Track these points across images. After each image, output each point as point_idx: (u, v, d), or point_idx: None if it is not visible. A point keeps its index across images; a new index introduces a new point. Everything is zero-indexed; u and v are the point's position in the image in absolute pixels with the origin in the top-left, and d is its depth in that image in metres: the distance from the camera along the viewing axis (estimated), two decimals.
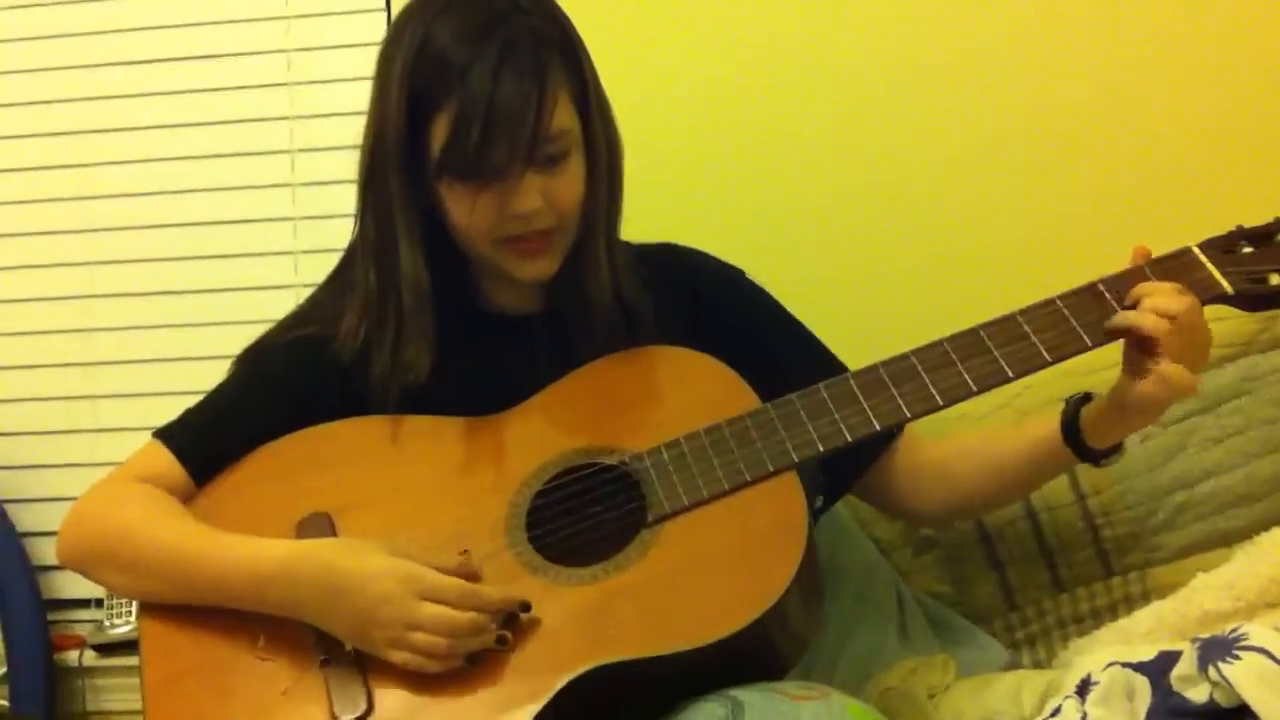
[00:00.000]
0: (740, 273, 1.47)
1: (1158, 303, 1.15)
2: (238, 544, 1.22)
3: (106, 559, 1.27)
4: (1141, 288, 1.18)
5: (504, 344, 1.37)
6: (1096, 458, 1.26)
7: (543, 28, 1.26)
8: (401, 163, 1.27)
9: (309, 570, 1.18)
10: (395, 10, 1.87)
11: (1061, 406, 1.28)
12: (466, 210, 1.27)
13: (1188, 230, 1.23)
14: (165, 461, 1.31)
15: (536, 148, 1.24)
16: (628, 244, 1.42)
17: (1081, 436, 1.25)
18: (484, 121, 1.20)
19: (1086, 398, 1.26)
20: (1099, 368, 1.33)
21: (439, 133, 1.24)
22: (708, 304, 1.42)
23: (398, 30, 1.28)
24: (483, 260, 1.33)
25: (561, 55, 1.27)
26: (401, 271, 1.30)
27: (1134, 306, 1.18)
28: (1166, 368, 1.15)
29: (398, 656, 1.14)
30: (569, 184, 1.29)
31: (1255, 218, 1.23)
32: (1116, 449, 1.26)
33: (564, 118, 1.26)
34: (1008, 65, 1.77)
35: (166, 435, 1.33)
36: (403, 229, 1.29)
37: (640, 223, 1.43)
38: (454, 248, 1.33)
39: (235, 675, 1.19)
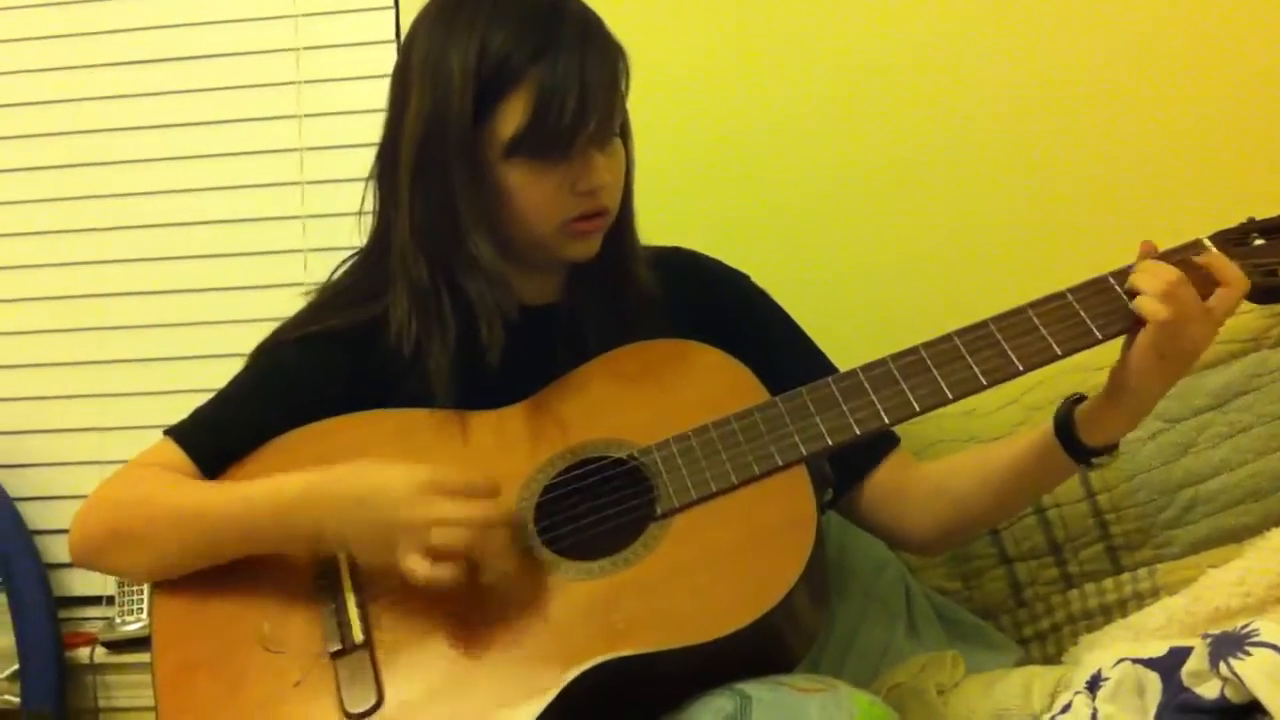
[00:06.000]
0: (746, 276, 1.49)
1: (1147, 283, 1.16)
2: (258, 483, 1.23)
3: (122, 535, 1.26)
4: (1137, 270, 1.18)
5: (524, 335, 1.37)
6: (1088, 456, 1.23)
7: (595, 13, 1.31)
8: (465, 151, 1.27)
9: (333, 484, 1.19)
10: (404, 8, 1.90)
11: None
12: (538, 189, 1.28)
13: (1198, 223, 1.23)
14: (176, 458, 1.31)
15: (613, 122, 1.29)
16: (640, 246, 1.43)
17: (1074, 432, 1.23)
18: (580, 94, 1.24)
19: (1081, 398, 1.25)
20: (1109, 364, 1.33)
21: (512, 114, 1.25)
22: (716, 305, 1.43)
23: (446, 29, 1.29)
24: (537, 243, 1.32)
25: (616, 39, 1.32)
26: (473, 260, 1.29)
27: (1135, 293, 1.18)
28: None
29: (417, 565, 1.13)
30: (620, 164, 1.34)
31: (1267, 211, 1.22)
32: (1110, 450, 1.24)
33: (624, 98, 1.32)
34: (1011, 61, 1.77)
35: (177, 433, 1.34)
36: (470, 218, 1.29)
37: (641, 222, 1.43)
38: None
39: (246, 667, 1.20)
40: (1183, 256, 1.19)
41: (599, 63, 1.26)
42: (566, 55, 1.24)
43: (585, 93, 1.24)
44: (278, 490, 1.21)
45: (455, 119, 1.27)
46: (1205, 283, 1.16)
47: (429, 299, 1.31)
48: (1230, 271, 1.16)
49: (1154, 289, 1.15)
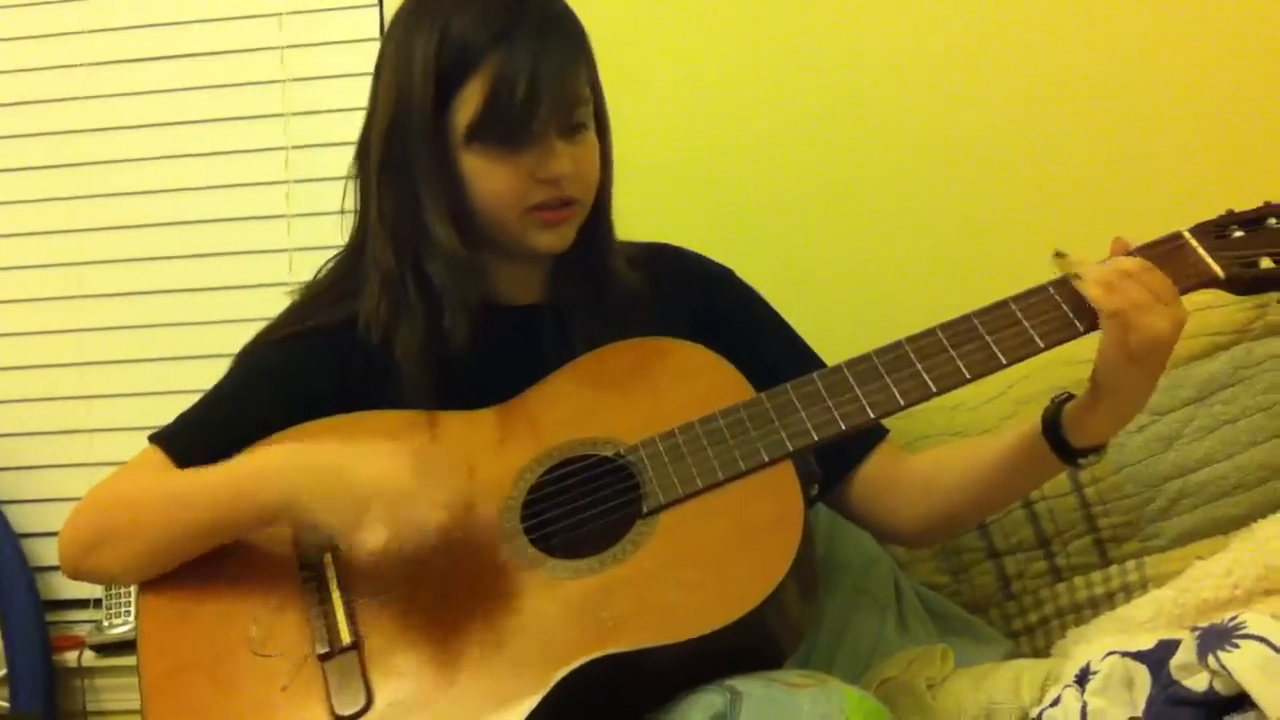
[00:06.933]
0: (731, 271, 1.49)
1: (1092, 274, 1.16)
2: (250, 456, 1.25)
3: (107, 531, 1.26)
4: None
5: (510, 334, 1.38)
6: (1074, 456, 1.23)
7: (563, 2, 1.33)
8: (427, 137, 1.29)
9: (315, 452, 1.21)
10: (389, 5, 1.90)
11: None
12: (496, 176, 1.29)
13: (1179, 218, 1.23)
14: (162, 465, 1.30)
15: (573, 111, 1.29)
16: (622, 242, 1.43)
17: (1061, 432, 1.23)
18: (530, 79, 1.24)
19: (1070, 397, 1.25)
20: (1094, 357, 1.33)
21: (469, 100, 1.27)
22: (703, 301, 1.43)
23: (412, 19, 1.31)
24: (503, 232, 1.33)
25: (583, 31, 1.32)
26: (432, 243, 1.30)
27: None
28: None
29: (374, 533, 1.15)
30: (590, 155, 1.34)
31: (1246, 204, 1.23)
32: (1097, 450, 1.23)
33: (585, 88, 1.31)
34: (998, 58, 1.77)
35: (162, 439, 1.33)
36: (430, 202, 1.30)
37: (628, 219, 1.43)
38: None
39: (234, 671, 1.19)
40: (1161, 250, 1.19)
41: (556, 49, 1.27)
42: (523, 41, 1.25)
43: (537, 77, 1.24)
44: (256, 458, 1.23)
45: (417, 106, 1.28)
46: (1177, 275, 1.16)
47: (396, 285, 1.32)
48: (1170, 292, 1.15)
49: (1097, 277, 1.15)
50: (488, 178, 1.29)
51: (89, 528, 1.28)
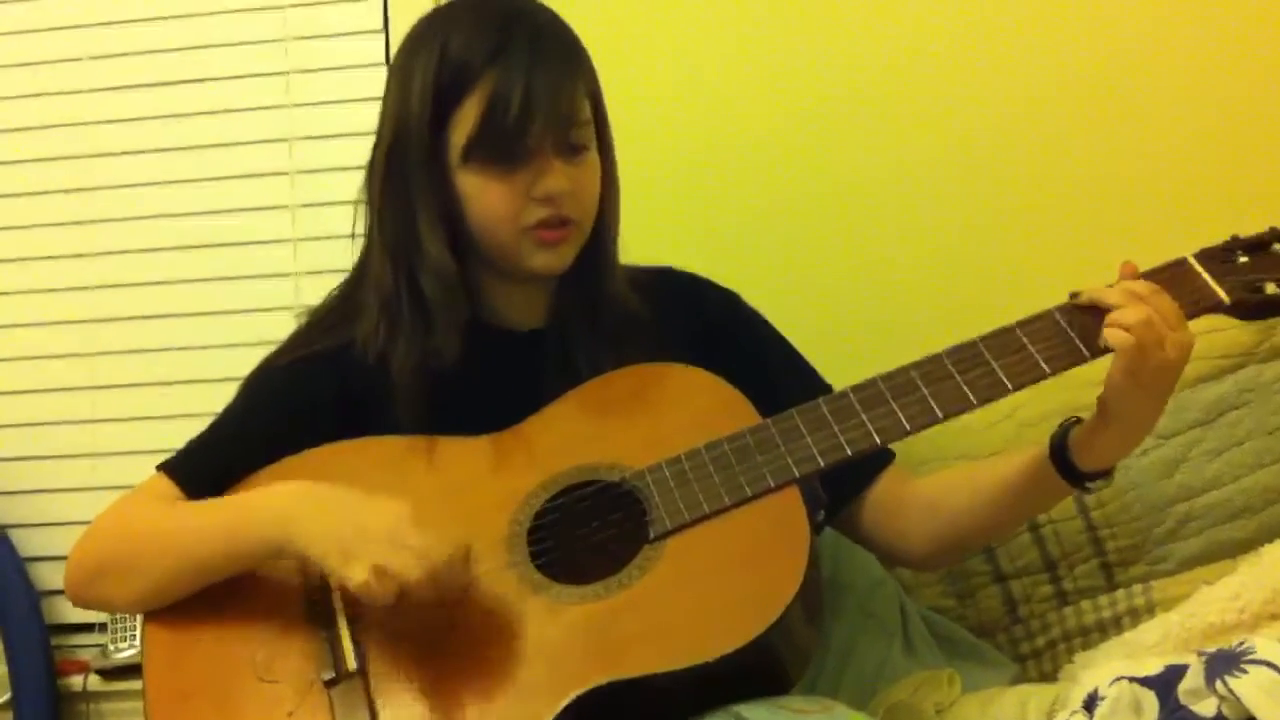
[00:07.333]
0: (737, 295, 1.49)
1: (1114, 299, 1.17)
2: (255, 491, 1.26)
3: (111, 564, 1.26)
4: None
5: (514, 360, 1.38)
6: (1082, 480, 1.23)
7: (560, 22, 1.33)
8: (425, 157, 1.30)
9: (326, 489, 1.21)
10: (394, 31, 1.91)
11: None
12: (492, 194, 1.30)
13: (1185, 237, 1.23)
14: (169, 493, 1.31)
15: (569, 129, 1.29)
16: (626, 266, 1.43)
17: (1068, 456, 1.23)
18: (524, 93, 1.25)
19: (1077, 421, 1.25)
20: (1101, 380, 1.33)
21: (466, 119, 1.28)
22: (709, 325, 1.43)
23: (415, 42, 1.34)
24: (501, 253, 1.33)
25: (580, 49, 1.33)
26: (425, 259, 1.31)
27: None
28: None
29: (359, 571, 1.13)
30: (590, 176, 1.34)
31: (1251, 227, 1.23)
32: (1105, 474, 1.24)
33: (585, 108, 1.32)
34: (1001, 61, 1.77)
35: (170, 467, 1.33)
36: (424, 220, 1.31)
37: (627, 223, 1.43)
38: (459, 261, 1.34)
39: (239, 697, 1.19)
40: (1167, 275, 1.19)
41: (549, 66, 1.27)
42: (516, 58, 1.26)
43: (530, 91, 1.25)
44: (259, 493, 1.24)
45: (415, 126, 1.30)
46: (1182, 300, 1.16)
47: (393, 303, 1.33)
48: (1177, 317, 1.16)
49: (1122, 320, 1.15)
50: (484, 196, 1.30)
51: (94, 556, 1.28)
